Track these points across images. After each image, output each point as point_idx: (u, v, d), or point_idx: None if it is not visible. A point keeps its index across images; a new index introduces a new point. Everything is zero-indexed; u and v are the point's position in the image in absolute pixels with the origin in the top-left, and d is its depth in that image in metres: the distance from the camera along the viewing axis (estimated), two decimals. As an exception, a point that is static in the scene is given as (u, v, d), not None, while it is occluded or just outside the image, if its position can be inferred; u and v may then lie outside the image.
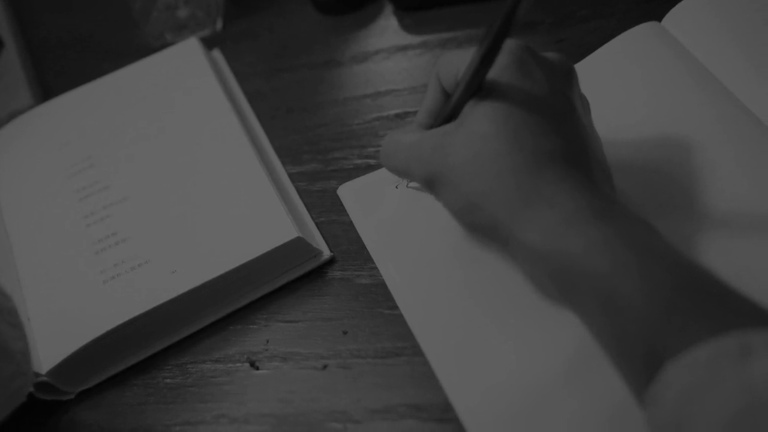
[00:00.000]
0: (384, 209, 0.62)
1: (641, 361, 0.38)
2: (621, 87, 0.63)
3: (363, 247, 0.61)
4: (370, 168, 0.66)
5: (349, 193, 0.64)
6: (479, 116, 0.46)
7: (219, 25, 0.84)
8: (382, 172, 0.64)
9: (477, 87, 0.47)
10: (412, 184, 0.62)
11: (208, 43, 0.81)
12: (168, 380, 0.59)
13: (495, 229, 0.45)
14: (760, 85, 0.59)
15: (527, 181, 0.44)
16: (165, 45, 0.82)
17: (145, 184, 0.67)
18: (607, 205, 0.43)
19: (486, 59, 0.45)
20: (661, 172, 0.57)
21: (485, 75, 0.46)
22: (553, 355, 0.51)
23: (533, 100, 0.46)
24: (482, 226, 0.46)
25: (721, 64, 0.62)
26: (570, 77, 0.49)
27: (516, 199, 0.44)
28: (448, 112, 0.50)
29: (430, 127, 0.53)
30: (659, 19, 0.67)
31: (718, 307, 0.38)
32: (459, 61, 0.49)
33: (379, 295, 0.59)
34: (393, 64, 0.75)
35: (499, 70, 0.47)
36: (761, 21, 0.63)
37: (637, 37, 0.65)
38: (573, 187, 0.43)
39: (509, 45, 0.47)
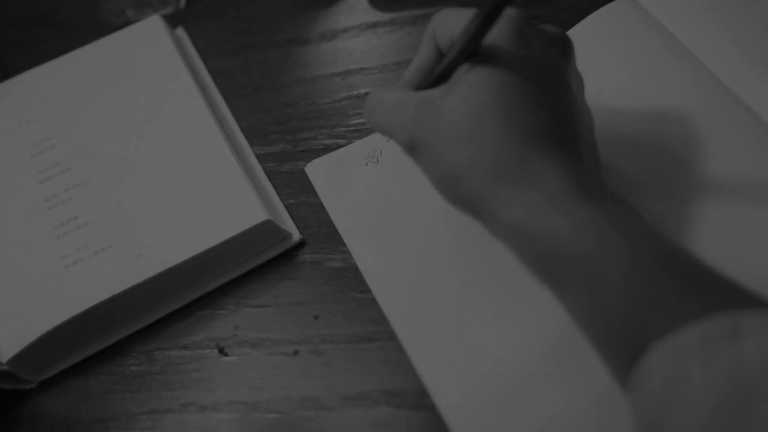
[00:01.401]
0: (354, 189, 0.60)
1: (626, 344, 0.37)
2: (599, 64, 0.62)
3: (334, 229, 0.60)
4: (340, 148, 0.64)
5: (318, 170, 0.63)
6: (472, 83, 0.44)
7: (183, 2, 0.82)
8: (352, 148, 0.63)
9: (472, 51, 0.45)
10: (383, 154, 0.60)
11: (172, 21, 0.79)
12: (134, 368, 0.57)
13: (477, 204, 0.44)
14: (737, 59, 0.59)
15: (514, 156, 0.42)
16: (127, 23, 0.80)
17: (108, 166, 0.65)
18: (593, 186, 0.42)
19: (486, 23, 0.43)
20: (639, 148, 0.56)
21: (482, 39, 0.44)
22: (536, 338, 0.50)
23: (529, 73, 0.44)
24: (464, 200, 0.45)
25: (697, 39, 0.61)
26: (567, 52, 0.48)
27: (501, 174, 0.42)
28: (438, 74, 0.47)
29: (419, 86, 0.50)
30: (634, -6, 0.66)
31: (705, 289, 0.37)
32: (457, 20, 0.47)
33: (351, 279, 0.58)
34: (363, 41, 0.73)
35: (496, 37, 0.45)
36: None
37: (614, 14, 0.64)
38: (560, 166, 0.42)
39: (510, 13, 0.45)
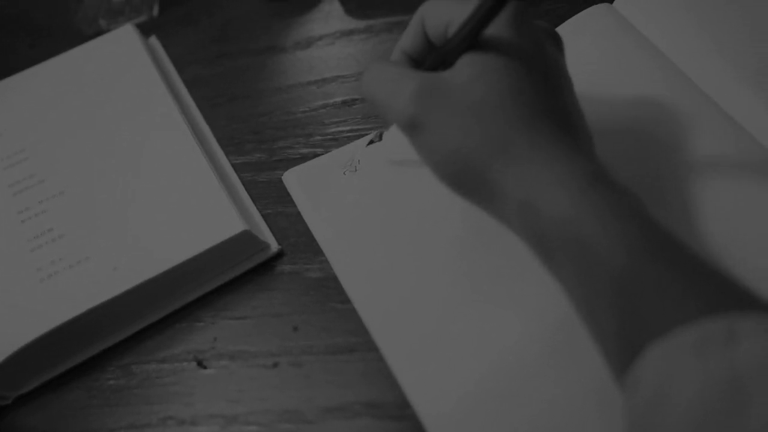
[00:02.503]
0: (332, 198, 0.60)
1: (624, 340, 0.38)
2: (576, 68, 0.61)
3: (312, 238, 0.60)
4: (317, 157, 0.64)
5: (295, 180, 0.62)
6: (480, 65, 0.44)
7: (155, 10, 0.81)
8: (330, 157, 0.63)
9: (475, 38, 0.45)
10: (361, 162, 0.60)
11: (145, 30, 0.78)
12: (111, 382, 0.57)
13: (483, 182, 0.44)
14: (712, 64, 0.59)
15: (524, 135, 0.43)
16: (99, 32, 0.79)
17: (83, 178, 0.64)
18: (600, 172, 0.42)
19: (491, 12, 0.43)
20: (615, 151, 0.56)
21: (487, 26, 0.44)
22: (519, 348, 0.50)
23: (532, 60, 0.45)
24: (469, 178, 0.44)
25: (673, 45, 0.62)
26: (561, 46, 0.49)
27: (511, 152, 0.42)
28: (436, 59, 0.47)
29: (406, 65, 0.50)
30: (611, 1, 0.66)
31: (704, 288, 0.37)
32: (448, 11, 0.47)
33: (330, 289, 0.57)
34: (338, 49, 0.73)
35: (499, 26, 0.45)
36: (709, 3, 0.63)
37: (590, 19, 0.65)
38: (568, 147, 0.43)
39: (510, 3, 0.46)
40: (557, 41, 0.49)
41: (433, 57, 0.48)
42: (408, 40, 0.51)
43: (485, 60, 0.44)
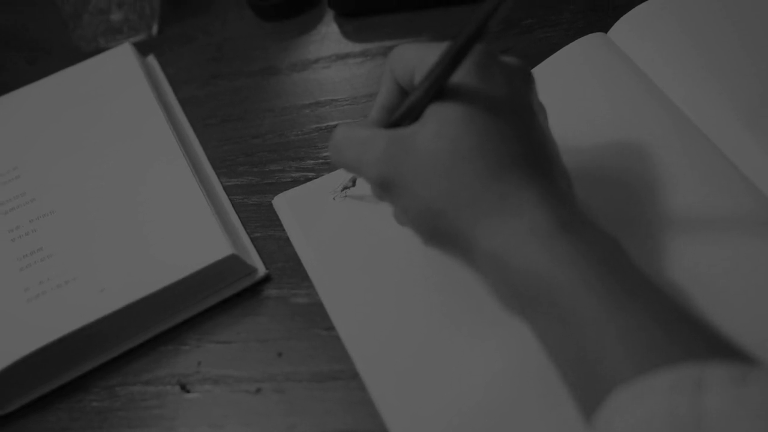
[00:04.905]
0: (321, 224, 0.60)
1: (592, 383, 0.37)
2: (568, 99, 0.62)
3: (300, 264, 0.60)
4: (308, 182, 0.64)
5: (285, 204, 0.62)
6: (443, 117, 0.44)
7: (155, 29, 0.81)
8: (320, 182, 0.63)
9: (439, 89, 0.45)
10: (350, 189, 0.60)
11: (143, 49, 0.78)
12: (95, 403, 0.57)
13: (456, 236, 0.44)
14: (708, 99, 0.59)
15: (492, 184, 0.42)
16: (98, 49, 0.79)
17: (74, 198, 0.64)
18: (571, 215, 0.42)
19: (454, 61, 0.43)
20: (604, 181, 0.57)
21: (450, 77, 0.44)
22: (502, 379, 0.50)
23: (496, 105, 0.44)
24: (443, 233, 0.45)
25: (666, 75, 0.61)
26: (529, 82, 0.48)
27: (481, 205, 0.42)
28: (404, 112, 0.47)
29: (385, 124, 0.50)
30: (605, 30, 0.66)
31: (673, 336, 0.37)
32: (413, 56, 0.47)
33: (316, 315, 0.57)
34: (333, 73, 0.73)
35: (461, 73, 0.45)
36: (704, 35, 0.62)
37: (584, 49, 0.65)
38: (539, 194, 0.42)
39: (476, 47, 0.45)
40: (527, 79, 0.48)
41: (400, 110, 0.47)
42: (382, 92, 0.51)
43: (449, 112, 0.44)
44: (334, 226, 0.60)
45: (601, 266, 0.40)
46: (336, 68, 0.73)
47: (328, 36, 0.77)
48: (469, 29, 0.42)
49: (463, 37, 0.43)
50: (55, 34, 0.84)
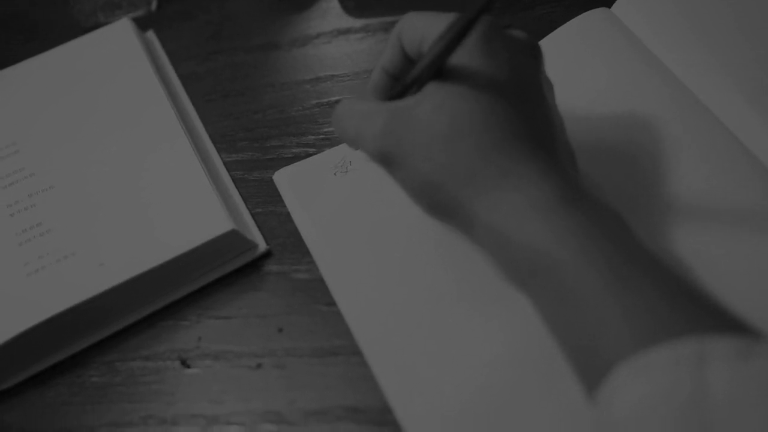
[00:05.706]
0: (322, 199, 0.60)
1: (594, 358, 0.37)
2: (572, 74, 0.61)
3: (301, 239, 0.59)
4: (309, 157, 0.64)
5: (285, 179, 0.62)
6: (445, 91, 0.44)
7: (154, 5, 0.81)
8: (321, 157, 0.63)
9: (443, 62, 0.45)
10: (352, 164, 0.60)
11: (143, 24, 0.78)
12: (95, 379, 0.56)
13: (457, 210, 0.43)
14: (711, 74, 0.59)
15: (494, 159, 0.42)
16: (97, 25, 0.79)
17: (73, 173, 0.64)
18: (573, 190, 0.42)
19: (459, 35, 0.43)
20: (609, 156, 0.56)
21: (455, 50, 0.44)
22: (504, 355, 0.49)
23: (500, 80, 0.44)
24: (443, 207, 0.44)
25: (671, 51, 0.61)
26: (536, 57, 0.48)
27: (482, 178, 0.42)
28: (408, 82, 0.47)
29: (386, 86, 0.51)
30: (609, 5, 0.65)
31: (677, 311, 0.37)
32: (424, 25, 0.47)
33: (317, 291, 0.57)
34: (334, 48, 0.73)
35: (466, 46, 0.45)
36: (708, 9, 0.62)
37: (588, 24, 0.64)
38: (540, 170, 0.42)
39: (482, 20, 0.45)
40: (534, 53, 0.48)
41: (407, 78, 0.47)
42: (387, 56, 0.51)
43: (450, 86, 0.44)
44: (335, 201, 0.59)
45: (604, 240, 0.39)
46: (337, 43, 0.73)
47: (329, 11, 0.76)
48: (478, 4, 0.42)
49: (474, 9, 0.42)
50: (55, 12, 0.84)
